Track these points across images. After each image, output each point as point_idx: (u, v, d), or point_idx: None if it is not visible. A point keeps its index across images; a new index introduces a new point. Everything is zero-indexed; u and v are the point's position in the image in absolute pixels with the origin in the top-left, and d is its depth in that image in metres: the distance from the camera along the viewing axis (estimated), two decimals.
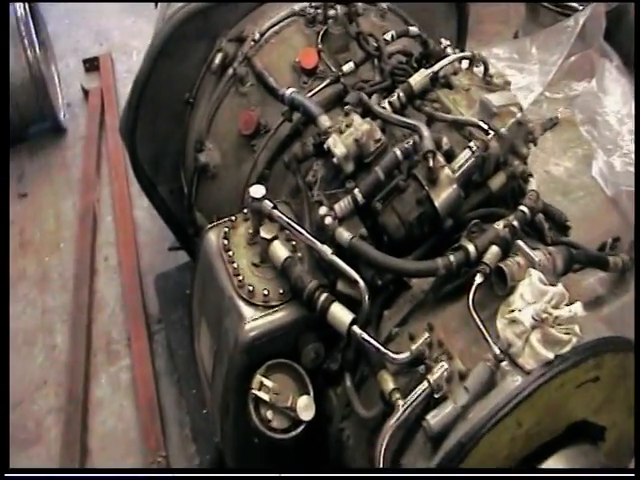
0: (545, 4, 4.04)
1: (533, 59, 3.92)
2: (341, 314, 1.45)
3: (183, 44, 2.04)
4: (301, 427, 1.52)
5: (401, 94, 1.71)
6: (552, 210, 1.80)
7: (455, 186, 1.51)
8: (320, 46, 1.94)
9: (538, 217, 1.67)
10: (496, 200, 1.66)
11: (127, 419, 2.69)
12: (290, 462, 1.70)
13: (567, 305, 1.39)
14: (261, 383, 1.51)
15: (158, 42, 1.99)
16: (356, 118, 1.60)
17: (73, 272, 3.15)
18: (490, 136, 1.57)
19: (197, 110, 2.14)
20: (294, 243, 1.62)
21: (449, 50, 1.86)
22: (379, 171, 1.53)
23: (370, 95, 1.76)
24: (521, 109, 1.63)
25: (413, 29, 1.98)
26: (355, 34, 1.92)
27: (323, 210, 1.53)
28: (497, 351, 1.34)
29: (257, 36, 2.00)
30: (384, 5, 2.08)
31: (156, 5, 2.66)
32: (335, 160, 1.56)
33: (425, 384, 1.36)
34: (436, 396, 1.36)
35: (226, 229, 1.66)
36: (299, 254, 1.61)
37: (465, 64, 1.84)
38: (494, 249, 1.46)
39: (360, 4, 2.00)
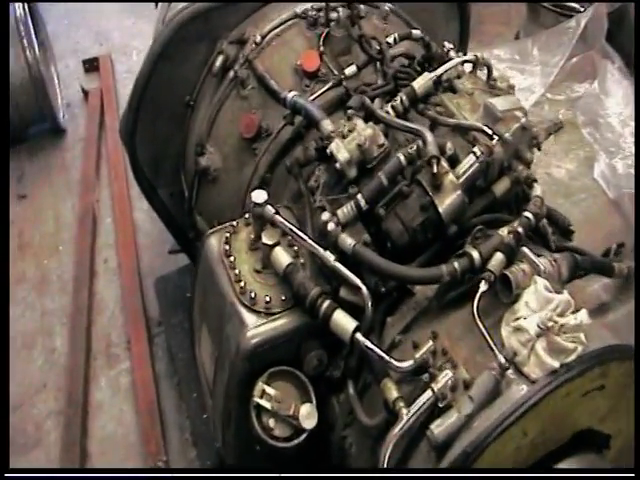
0: (546, 5, 4.03)
1: (534, 60, 3.91)
2: (344, 321, 1.44)
3: (183, 46, 2.02)
4: (303, 435, 1.50)
5: (404, 98, 1.69)
6: (556, 215, 1.78)
7: (459, 192, 1.49)
8: (322, 49, 1.92)
9: (542, 222, 1.66)
10: (500, 205, 1.65)
11: (127, 423, 2.67)
12: (292, 468, 1.68)
13: (573, 313, 1.38)
14: (263, 391, 1.49)
15: (158, 45, 1.97)
16: (359, 123, 1.58)
17: (72, 274, 3.13)
18: (494, 141, 1.55)
19: (198, 113, 2.13)
20: (296, 249, 1.61)
21: (452, 53, 1.84)
22: (382, 177, 1.51)
23: (373, 99, 1.74)
24: (525, 114, 1.62)
25: (416, 32, 1.96)
26: (357, 37, 1.90)
27: (326, 216, 1.52)
28: (502, 360, 1.32)
29: (258, 38, 1.98)
30: (386, 8, 2.06)
31: (156, 6, 2.64)
32: (338, 165, 1.55)
33: (429, 393, 1.34)
34: (440, 405, 1.34)
35: (227, 234, 1.64)
36: (301, 260, 1.59)
37: (468, 67, 1.82)
38: (499, 256, 1.45)
39: (362, 6, 1.98)
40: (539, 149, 1.72)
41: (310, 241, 1.51)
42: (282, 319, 1.53)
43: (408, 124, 1.60)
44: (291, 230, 1.52)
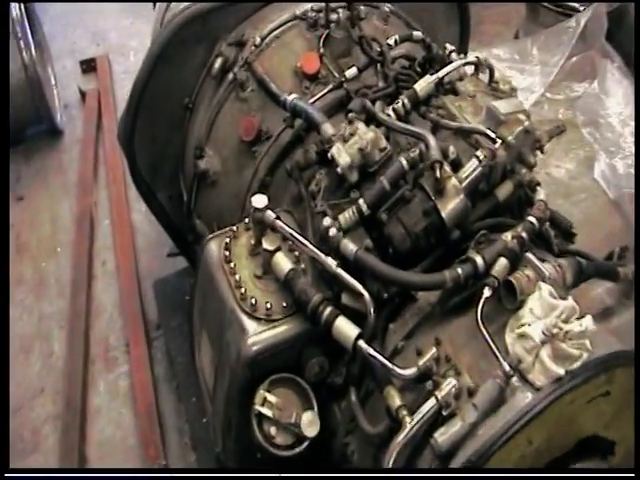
0: (546, 4, 4.01)
1: (534, 60, 3.90)
2: (346, 328, 1.42)
3: (182, 49, 2.00)
4: (305, 443, 1.49)
5: (405, 101, 1.67)
6: (558, 217, 1.77)
7: (462, 196, 1.47)
8: (322, 50, 1.90)
9: (545, 225, 1.64)
10: (502, 209, 1.63)
11: (125, 427, 2.66)
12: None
13: (577, 319, 1.36)
14: (264, 399, 1.47)
15: (156, 47, 1.94)
16: (360, 126, 1.56)
17: (70, 277, 3.11)
18: (497, 145, 1.53)
19: (196, 115, 2.11)
20: (297, 254, 1.59)
21: (454, 55, 1.82)
22: (384, 181, 1.49)
23: (374, 101, 1.72)
24: (528, 116, 1.60)
25: (417, 33, 1.94)
26: (358, 38, 1.88)
27: (327, 221, 1.50)
28: (507, 367, 1.31)
29: (258, 40, 1.96)
30: (387, 9, 2.04)
31: (154, 6, 2.62)
32: (339, 170, 1.53)
33: (433, 401, 1.33)
34: (444, 413, 1.32)
35: (227, 239, 1.62)
36: (302, 265, 1.57)
37: (470, 69, 1.80)
38: (502, 261, 1.43)
39: (363, 8, 1.96)
40: (542, 152, 1.70)
41: (312, 247, 1.49)
42: (283, 326, 1.51)
43: (410, 127, 1.58)
44: (292, 235, 1.50)
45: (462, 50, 2.48)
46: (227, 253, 1.59)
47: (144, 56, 2.01)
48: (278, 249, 1.52)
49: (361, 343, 1.40)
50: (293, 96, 1.77)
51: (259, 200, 1.52)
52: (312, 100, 1.82)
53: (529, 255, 1.44)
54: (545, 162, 3.43)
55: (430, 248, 1.53)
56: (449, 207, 1.47)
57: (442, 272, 1.44)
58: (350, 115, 1.60)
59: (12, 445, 2.50)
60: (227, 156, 2.01)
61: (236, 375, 1.52)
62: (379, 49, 1.86)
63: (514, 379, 1.32)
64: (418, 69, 1.89)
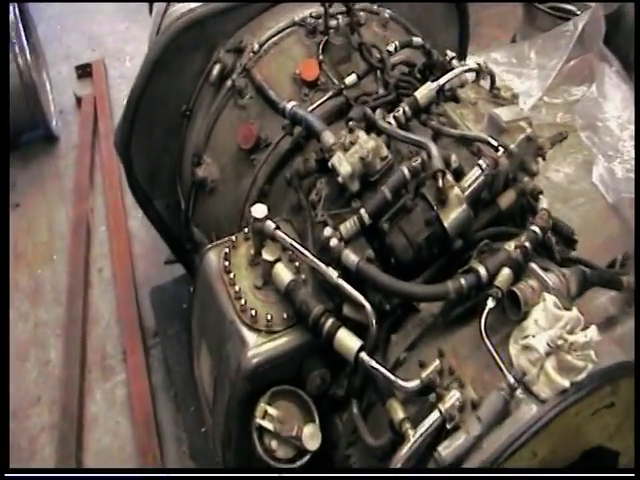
0: (543, 7, 4.00)
1: (532, 64, 3.89)
2: (348, 340, 1.40)
3: (179, 56, 1.98)
4: (307, 457, 1.46)
5: (406, 108, 1.65)
6: (559, 224, 1.75)
7: (465, 206, 1.45)
8: (321, 57, 1.88)
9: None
10: (505, 217, 1.61)
11: (123, 436, 2.64)
12: None
13: (582, 330, 1.35)
14: (265, 411, 1.45)
15: (153, 54, 1.92)
16: (361, 135, 1.54)
17: (66, 284, 3.09)
18: (500, 153, 1.51)
19: (194, 123, 2.09)
20: (297, 264, 1.57)
21: (455, 62, 1.80)
22: (386, 191, 1.47)
23: (374, 109, 1.70)
24: (530, 124, 1.58)
25: (417, 39, 1.92)
26: (357, 45, 1.87)
27: (328, 231, 1.47)
28: (511, 380, 1.29)
29: (256, 47, 1.94)
30: (386, 14, 2.02)
31: (150, 12, 2.60)
32: (340, 179, 1.51)
33: (436, 414, 1.31)
34: (448, 426, 1.30)
35: (227, 249, 1.60)
36: (303, 276, 1.55)
37: (471, 76, 1.78)
38: (506, 271, 1.41)
39: (362, 14, 1.94)
40: (544, 159, 1.69)
41: (312, 258, 1.46)
42: (284, 338, 1.48)
43: (412, 136, 1.56)
44: (292, 246, 1.48)
45: (461, 54, 2.47)
46: (226, 263, 1.57)
47: (141, 63, 1.99)
48: (278, 260, 1.50)
49: (363, 355, 1.38)
50: (292, 103, 1.75)
51: (259, 210, 1.50)
52: (311, 107, 1.80)
53: (533, 265, 1.42)
54: (544, 166, 3.41)
55: (432, 258, 1.51)
56: (451, 217, 1.45)
57: (445, 283, 1.42)
58: (351, 123, 1.58)
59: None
60: (225, 164, 1.99)
61: (236, 388, 1.50)
62: (379, 56, 1.85)
63: (518, 391, 1.30)
64: (418, 75, 1.87)
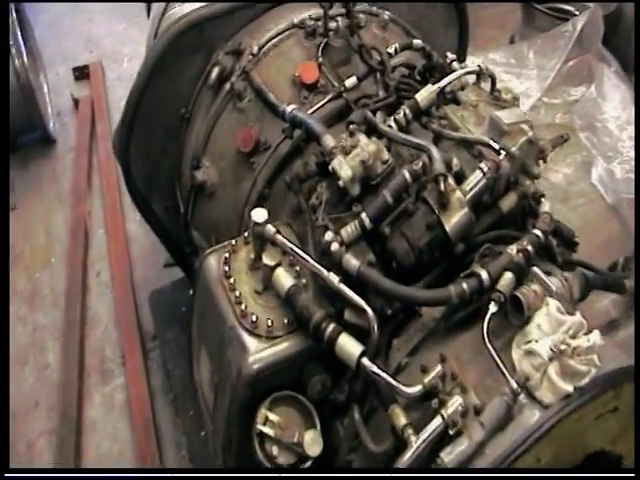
0: (541, 8, 3.99)
1: (530, 64, 3.89)
2: (350, 346, 1.39)
3: (178, 59, 1.97)
4: (308, 463, 1.45)
5: (407, 111, 1.64)
6: (560, 226, 1.74)
7: (466, 209, 1.44)
8: (320, 59, 1.87)
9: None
10: (506, 220, 1.60)
11: (122, 440, 2.63)
12: None
13: (585, 334, 1.34)
14: (266, 418, 1.44)
15: (152, 58, 1.91)
16: (362, 138, 1.53)
17: (64, 288, 3.08)
18: (501, 156, 1.50)
19: (193, 126, 2.07)
20: (298, 268, 1.56)
21: (455, 64, 1.79)
22: (387, 195, 1.46)
23: (374, 112, 1.69)
24: (532, 126, 1.57)
25: (417, 41, 1.91)
26: (357, 47, 1.85)
27: (329, 236, 1.46)
28: (514, 385, 1.28)
29: (255, 49, 1.93)
30: (386, 16, 2.01)
31: (148, 15, 2.58)
32: (341, 183, 1.49)
33: (439, 419, 1.30)
34: (451, 432, 1.29)
35: (227, 254, 1.58)
36: (303, 280, 1.54)
37: (471, 78, 1.77)
38: (508, 276, 1.40)
39: (362, 16, 1.93)
40: (545, 161, 1.68)
41: (313, 263, 1.45)
42: (284, 343, 1.47)
43: (413, 139, 1.55)
44: (293, 251, 1.47)
45: (461, 54, 2.46)
46: (226, 268, 1.55)
47: (140, 66, 1.97)
48: (279, 264, 1.49)
49: (365, 361, 1.37)
50: (292, 107, 1.74)
51: (259, 214, 1.48)
52: (311, 110, 1.79)
53: (535, 269, 1.41)
54: (543, 167, 3.40)
55: (434, 262, 1.50)
56: (453, 220, 1.44)
57: (447, 287, 1.41)
58: (351, 127, 1.57)
59: None
60: (225, 167, 1.98)
61: (237, 393, 1.48)
62: (379, 58, 1.83)
63: (521, 396, 1.30)
64: (418, 78, 1.86)
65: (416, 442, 1.30)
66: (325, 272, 1.43)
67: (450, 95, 1.71)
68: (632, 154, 3.46)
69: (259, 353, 1.45)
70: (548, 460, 1.33)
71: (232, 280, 1.54)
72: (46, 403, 2.71)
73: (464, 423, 1.30)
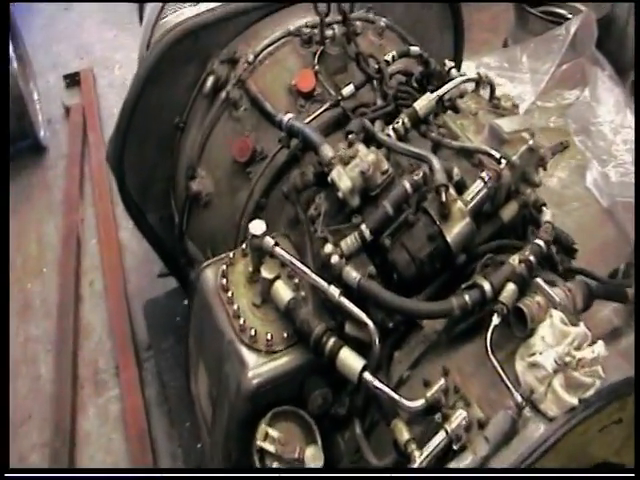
0: (533, 11, 3.99)
1: (524, 68, 3.88)
2: (351, 360, 1.36)
3: (172, 68, 1.94)
4: None
5: (406, 119, 1.62)
6: (559, 233, 1.72)
7: (468, 220, 1.42)
8: (317, 67, 1.85)
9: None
10: (507, 229, 1.58)
11: (116, 452, 2.61)
12: None
13: (589, 345, 1.32)
14: (266, 433, 1.41)
15: (146, 67, 1.88)
16: (361, 148, 1.50)
17: (57, 298, 3.05)
18: (502, 165, 1.48)
19: (188, 135, 2.05)
20: (297, 281, 1.53)
21: (454, 72, 1.77)
22: (387, 206, 1.43)
23: (373, 121, 1.66)
24: (533, 134, 1.55)
25: (414, 49, 1.89)
26: (354, 55, 1.83)
27: (329, 248, 1.43)
28: (519, 398, 1.26)
29: (251, 57, 1.90)
30: (382, 23, 1.99)
31: (141, 21, 2.55)
32: (340, 194, 1.47)
33: (443, 434, 1.27)
34: (455, 447, 1.27)
35: (224, 266, 1.55)
36: (302, 293, 1.51)
37: (470, 86, 1.76)
38: (511, 287, 1.38)
39: (358, 23, 1.91)
40: (545, 169, 1.66)
41: (313, 276, 1.42)
42: (284, 357, 1.44)
43: (413, 149, 1.52)
44: (292, 264, 1.44)
45: (457, 59, 2.45)
46: (224, 281, 1.53)
47: (134, 75, 1.95)
48: (277, 277, 1.46)
49: (367, 375, 1.34)
50: (289, 116, 1.71)
51: (257, 226, 1.46)
52: (308, 119, 1.76)
53: (539, 281, 1.39)
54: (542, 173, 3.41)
55: (435, 273, 1.48)
56: (454, 231, 1.42)
57: (449, 299, 1.39)
58: (350, 137, 1.54)
59: None
60: (220, 177, 1.95)
61: (236, 409, 1.46)
62: (376, 66, 1.81)
63: (526, 409, 1.27)
64: (415, 85, 1.84)
65: (420, 457, 1.28)
66: (325, 285, 1.41)
67: (449, 103, 1.69)
68: (627, 158, 3.46)
69: (258, 368, 1.42)
70: None
71: (230, 293, 1.51)
72: (39, 416, 2.68)
73: (468, 437, 1.28)
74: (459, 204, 1.42)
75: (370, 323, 1.38)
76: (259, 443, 1.41)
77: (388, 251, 1.46)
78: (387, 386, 1.36)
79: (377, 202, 1.48)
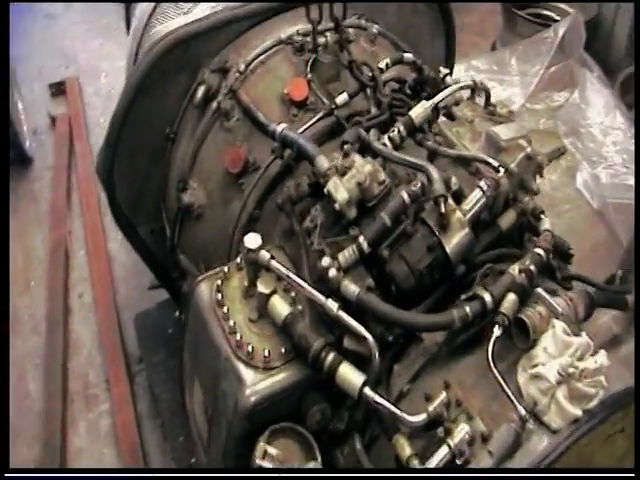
0: (521, 13, 4.00)
1: (513, 71, 3.90)
2: (350, 375, 1.34)
3: (163, 78, 1.91)
4: None
5: (401, 128, 1.60)
6: (555, 238, 1.71)
7: (467, 230, 1.40)
8: (309, 76, 1.82)
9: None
10: (505, 237, 1.57)
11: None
12: None
13: (592, 355, 1.30)
14: (265, 451, 1.38)
15: (136, 79, 1.84)
16: (357, 159, 1.47)
17: (45, 312, 3.00)
18: (500, 174, 1.47)
19: (179, 146, 2.01)
20: (293, 295, 1.50)
21: (449, 79, 1.76)
22: (385, 217, 1.41)
23: (368, 130, 1.64)
24: (530, 142, 1.54)
25: (407, 55, 1.86)
26: (347, 62, 1.81)
27: (326, 261, 1.40)
28: (522, 411, 1.24)
29: (242, 67, 1.87)
30: (374, 30, 1.97)
31: (128, 30, 2.52)
32: (337, 206, 1.44)
33: (445, 449, 1.26)
34: (458, 462, 1.25)
35: (219, 281, 1.52)
36: (299, 307, 1.48)
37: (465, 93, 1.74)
38: (511, 297, 1.36)
39: (351, 30, 1.89)
40: (541, 175, 1.65)
41: (311, 290, 1.40)
42: (282, 373, 1.41)
43: (410, 159, 1.50)
44: (289, 277, 1.42)
45: (449, 65, 2.44)
46: (219, 296, 1.49)
47: (123, 86, 1.91)
48: (274, 292, 1.43)
49: (367, 391, 1.32)
50: (282, 126, 1.67)
51: (252, 240, 1.43)
52: (302, 129, 1.73)
53: (540, 291, 1.37)
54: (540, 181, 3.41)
55: (434, 284, 1.46)
56: (454, 242, 1.40)
57: (449, 311, 1.37)
58: (346, 147, 1.51)
59: None
60: (212, 189, 1.92)
61: (233, 426, 1.43)
62: (370, 73, 1.79)
63: (529, 422, 1.25)
64: (408, 91, 1.82)
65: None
66: (323, 299, 1.38)
67: (444, 110, 1.67)
68: (616, 159, 3.46)
69: (256, 385, 1.39)
70: None
71: (225, 309, 1.48)
72: (28, 433, 2.62)
73: (471, 452, 1.26)
74: (458, 214, 1.40)
75: (369, 337, 1.36)
76: (258, 462, 1.38)
77: (386, 263, 1.43)
78: (388, 401, 1.34)
79: (374, 213, 1.45)
